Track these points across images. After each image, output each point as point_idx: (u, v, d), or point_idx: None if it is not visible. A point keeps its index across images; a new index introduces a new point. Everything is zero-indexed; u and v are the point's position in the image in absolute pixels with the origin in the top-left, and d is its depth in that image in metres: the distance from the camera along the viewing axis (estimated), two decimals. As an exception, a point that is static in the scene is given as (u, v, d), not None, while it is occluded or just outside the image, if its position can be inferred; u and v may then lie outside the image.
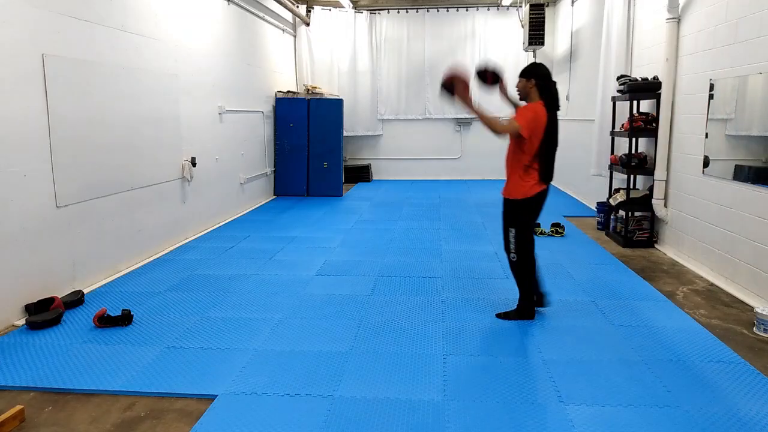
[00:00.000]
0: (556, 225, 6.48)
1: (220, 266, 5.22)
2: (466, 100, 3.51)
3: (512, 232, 3.77)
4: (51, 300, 3.95)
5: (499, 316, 3.90)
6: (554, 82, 3.66)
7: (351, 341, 3.51)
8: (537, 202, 3.73)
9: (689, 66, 5.24)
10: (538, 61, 11.02)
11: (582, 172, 8.61)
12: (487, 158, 11.62)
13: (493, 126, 3.48)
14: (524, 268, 3.81)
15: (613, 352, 3.34)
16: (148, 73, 5.44)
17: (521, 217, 3.74)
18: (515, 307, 3.91)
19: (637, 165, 6.02)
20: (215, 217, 7.11)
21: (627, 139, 6.05)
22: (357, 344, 3.46)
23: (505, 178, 3.82)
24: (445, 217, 7.59)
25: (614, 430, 2.54)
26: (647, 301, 4.20)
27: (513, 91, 3.89)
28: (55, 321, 3.80)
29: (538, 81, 3.61)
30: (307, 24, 10.90)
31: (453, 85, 3.51)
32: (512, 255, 3.80)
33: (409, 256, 5.42)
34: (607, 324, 3.78)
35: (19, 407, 2.66)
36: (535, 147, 3.61)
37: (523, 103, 3.80)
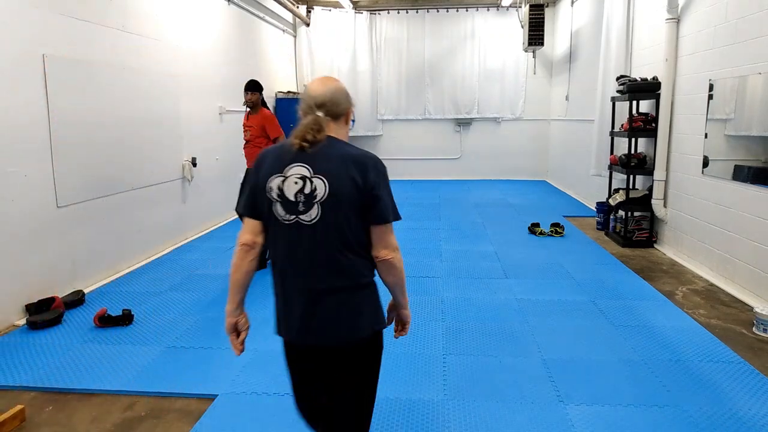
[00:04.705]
0: (555, 225, 6.49)
1: (220, 266, 5.22)
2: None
3: None
4: (51, 300, 3.95)
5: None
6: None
7: (351, 341, 3.51)
8: None
9: (689, 66, 5.24)
10: (536, 61, 11.04)
11: (582, 172, 8.62)
12: (486, 158, 11.62)
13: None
14: None
15: (613, 352, 3.35)
16: (149, 73, 5.44)
17: None
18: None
19: (636, 165, 6.02)
20: (215, 217, 7.11)
21: (626, 139, 6.06)
22: (357, 344, 3.46)
23: (250, 163, 4.94)
24: (445, 217, 7.60)
25: (614, 430, 2.55)
26: (647, 301, 4.21)
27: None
28: (56, 321, 3.80)
29: (261, 93, 4.98)
30: (307, 24, 10.90)
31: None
32: None
33: (409, 256, 5.42)
34: (607, 324, 3.79)
35: (19, 407, 2.66)
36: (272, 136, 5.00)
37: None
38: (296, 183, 1.62)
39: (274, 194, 1.64)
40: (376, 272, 1.79)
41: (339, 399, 1.79)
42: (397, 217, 1.73)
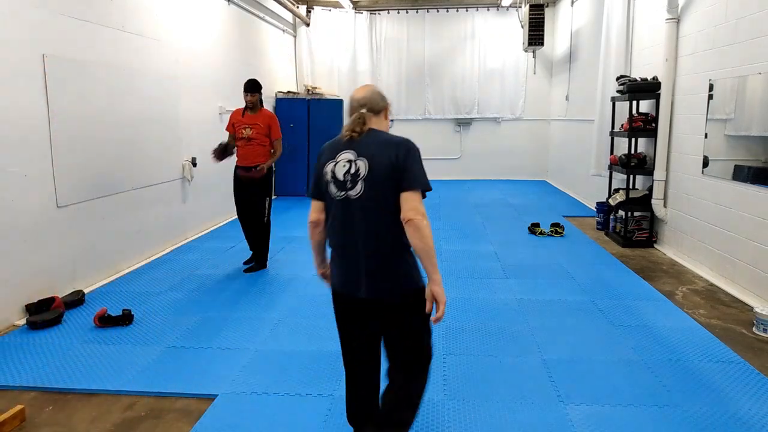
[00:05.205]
0: (555, 225, 6.49)
1: (220, 266, 5.22)
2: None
3: (268, 201, 5.06)
4: (51, 300, 3.95)
5: (246, 271, 5.06)
6: None
7: (351, 341, 3.51)
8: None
9: (689, 66, 5.24)
10: (536, 61, 11.04)
11: (582, 172, 8.62)
12: (486, 158, 11.63)
13: (276, 157, 5.08)
14: (269, 228, 5.15)
15: (613, 352, 3.35)
16: (149, 73, 5.44)
17: (271, 186, 5.14)
18: (255, 260, 5.16)
19: (636, 165, 6.02)
20: (215, 217, 7.11)
21: (626, 139, 6.06)
22: (357, 344, 3.46)
23: (252, 160, 4.94)
24: (445, 217, 7.60)
25: (614, 430, 2.55)
26: (647, 301, 4.21)
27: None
28: (56, 321, 3.80)
29: (261, 94, 5.01)
30: (307, 24, 10.90)
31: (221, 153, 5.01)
32: (266, 218, 5.06)
33: (409, 256, 5.42)
34: (607, 324, 3.79)
35: (19, 407, 2.66)
36: None
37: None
38: (344, 166, 2.05)
39: (329, 176, 2.07)
40: None
41: (393, 343, 2.15)
42: (427, 188, 2.01)
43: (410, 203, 1.95)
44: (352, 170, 2.02)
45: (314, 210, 2.18)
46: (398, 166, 1.98)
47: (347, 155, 2.05)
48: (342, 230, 2.07)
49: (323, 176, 2.09)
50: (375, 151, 2.02)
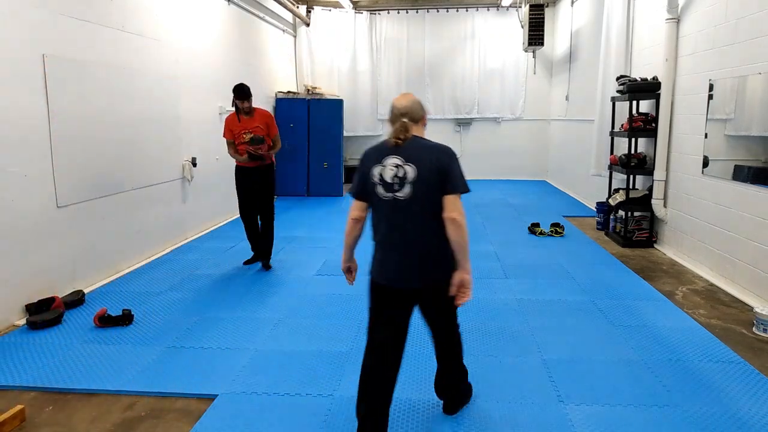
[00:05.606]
0: (555, 225, 6.49)
1: (220, 266, 5.22)
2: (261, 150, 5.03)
3: (274, 199, 4.93)
4: (51, 300, 3.95)
5: (263, 266, 5.15)
6: None
7: (351, 341, 3.51)
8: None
9: (689, 66, 5.24)
10: (536, 61, 11.04)
11: (582, 172, 8.62)
12: (486, 158, 11.62)
13: (276, 150, 5.16)
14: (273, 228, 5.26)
15: (613, 352, 3.35)
16: (149, 73, 5.44)
17: (274, 186, 5.25)
18: (267, 258, 5.20)
19: (636, 165, 6.02)
20: (216, 217, 7.11)
21: (626, 139, 6.06)
22: (357, 344, 3.46)
23: (255, 160, 4.96)
24: (445, 217, 7.58)
25: (614, 429, 2.55)
26: (647, 301, 4.21)
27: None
28: (56, 321, 3.80)
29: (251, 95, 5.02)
30: (307, 24, 10.90)
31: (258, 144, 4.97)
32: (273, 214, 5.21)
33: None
34: (607, 324, 3.79)
35: (19, 407, 2.66)
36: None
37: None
38: (392, 170, 2.25)
39: (376, 179, 2.28)
40: None
41: (436, 323, 2.51)
42: (466, 190, 2.26)
43: (454, 204, 2.21)
44: (400, 174, 2.23)
45: (357, 208, 2.38)
46: (443, 170, 2.22)
47: (395, 160, 2.25)
48: (388, 228, 2.30)
49: (370, 178, 2.29)
50: (421, 156, 2.24)
